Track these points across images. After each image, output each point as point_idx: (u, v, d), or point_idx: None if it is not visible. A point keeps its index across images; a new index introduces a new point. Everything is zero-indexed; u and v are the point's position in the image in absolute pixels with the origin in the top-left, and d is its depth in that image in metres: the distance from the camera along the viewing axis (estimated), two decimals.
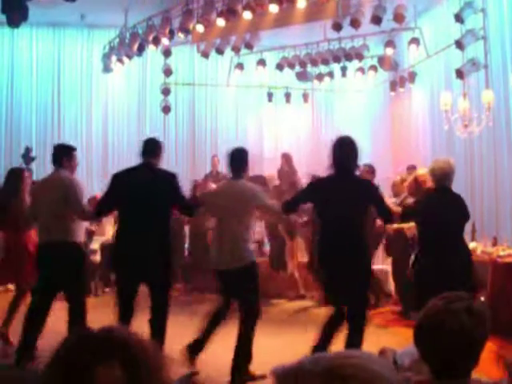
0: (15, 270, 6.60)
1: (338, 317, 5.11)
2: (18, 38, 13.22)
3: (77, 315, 5.63)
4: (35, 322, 5.74)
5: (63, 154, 6.00)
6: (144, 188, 5.39)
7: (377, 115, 14.29)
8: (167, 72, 12.32)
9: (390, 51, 11.14)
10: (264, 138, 14.53)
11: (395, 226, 7.21)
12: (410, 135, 12.74)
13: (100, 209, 5.92)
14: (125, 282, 5.49)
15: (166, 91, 12.63)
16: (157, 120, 13.65)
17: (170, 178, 5.55)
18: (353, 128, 14.45)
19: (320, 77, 12.80)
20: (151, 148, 5.63)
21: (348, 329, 4.99)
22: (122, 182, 5.58)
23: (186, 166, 13.64)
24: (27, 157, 11.22)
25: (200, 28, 9.80)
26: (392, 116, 13.87)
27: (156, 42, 10.58)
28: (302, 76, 12.76)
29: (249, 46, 11.30)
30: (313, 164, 12.40)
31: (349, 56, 11.45)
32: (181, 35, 10.13)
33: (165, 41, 10.65)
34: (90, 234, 9.90)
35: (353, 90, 14.08)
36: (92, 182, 13.15)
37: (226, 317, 5.65)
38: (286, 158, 10.88)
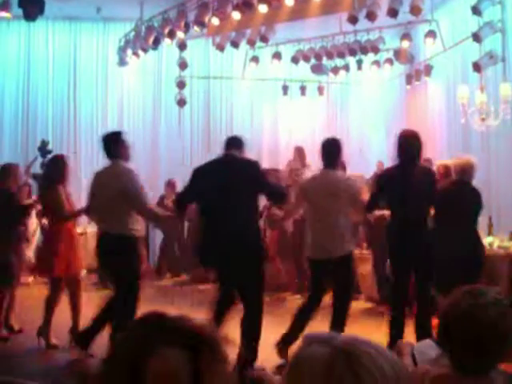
0: (52, 261, 6.44)
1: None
2: (34, 32, 13.26)
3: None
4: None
5: (114, 143, 6.02)
6: (226, 178, 5.32)
7: (392, 109, 14.22)
8: (182, 65, 12.33)
9: (406, 44, 11.06)
10: (279, 131, 14.51)
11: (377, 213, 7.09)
12: (426, 129, 12.65)
13: (181, 202, 5.92)
14: (223, 277, 5.54)
15: (181, 84, 12.63)
16: (172, 113, 13.67)
17: (253, 166, 5.49)
18: (368, 121, 14.47)
19: (335, 70, 12.75)
20: (234, 141, 5.66)
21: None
22: (204, 174, 5.53)
23: (201, 160, 13.59)
24: (43, 150, 11.26)
25: (215, 21, 9.80)
26: (407, 109, 13.80)
27: (171, 35, 10.58)
28: (318, 69, 12.72)
29: (264, 39, 11.27)
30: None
31: (364, 49, 11.40)
32: (196, 28, 10.13)
33: (180, 34, 10.65)
34: None
35: (368, 83, 14.02)
36: None
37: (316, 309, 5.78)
38: (299, 152, 10.85)
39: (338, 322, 5.51)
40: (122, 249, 5.59)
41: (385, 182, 5.81)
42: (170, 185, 11.65)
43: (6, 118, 13.23)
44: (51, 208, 6.58)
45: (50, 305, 6.45)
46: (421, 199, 5.50)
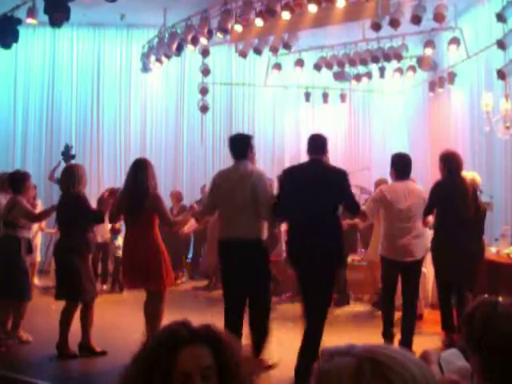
0: (143, 273, 6.10)
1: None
2: (59, 38, 13.42)
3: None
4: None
5: (247, 145, 5.87)
6: (313, 184, 5.35)
7: (415, 116, 14.16)
8: (205, 72, 12.39)
9: (429, 51, 11.00)
10: (301, 139, 14.46)
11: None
12: (449, 137, 12.57)
13: (277, 208, 5.76)
14: (304, 278, 5.46)
15: (203, 91, 12.69)
16: (194, 119, 13.74)
17: (341, 175, 5.47)
18: (390, 129, 14.42)
19: (358, 77, 12.74)
20: (319, 144, 5.59)
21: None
22: (291, 177, 5.58)
23: (223, 166, 13.64)
24: (67, 154, 11.36)
25: (238, 28, 9.82)
26: (430, 117, 13.70)
27: (194, 41, 10.62)
28: (340, 76, 12.72)
29: (287, 46, 11.28)
30: (349, 164, 12.36)
31: (387, 56, 11.35)
32: (219, 35, 10.16)
33: (203, 40, 10.69)
34: (116, 232, 10.16)
35: (391, 90, 13.97)
36: None
37: None
38: None
39: (412, 322, 6.13)
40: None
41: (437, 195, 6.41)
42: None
43: (30, 123, 13.38)
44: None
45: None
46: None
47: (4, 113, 13.27)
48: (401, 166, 6.29)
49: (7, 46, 9.38)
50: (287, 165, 13.33)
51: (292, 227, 5.60)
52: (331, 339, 5.11)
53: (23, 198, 6.96)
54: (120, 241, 10.19)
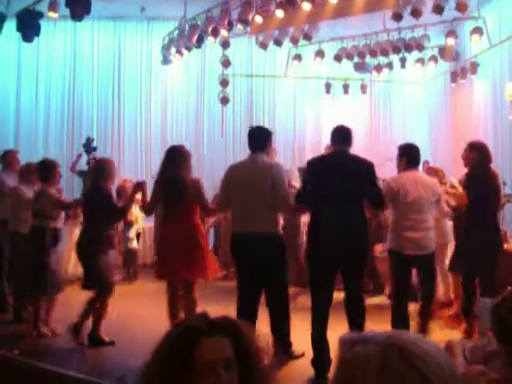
0: (185, 263, 5.98)
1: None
2: (80, 31, 13.46)
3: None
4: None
5: (268, 138, 5.85)
6: (340, 175, 5.32)
7: (436, 107, 14.05)
8: (225, 63, 12.39)
9: (451, 41, 10.89)
10: (321, 130, 14.45)
11: None
12: (471, 127, 12.46)
13: (300, 196, 5.76)
14: (322, 270, 5.40)
15: (224, 82, 12.70)
16: (215, 111, 13.75)
17: (369, 167, 5.45)
18: (411, 120, 14.32)
19: (379, 68, 12.66)
20: (345, 136, 5.55)
21: None
22: (318, 168, 5.56)
23: (243, 158, 13.67)
24: (88, 147, 11.45)
25: (259, 19, 9.80)
26: (452, 108, 13.59)
27: (215, 33, 10.62)
28: (361, 67, 12.66)
29: (307, 37, 11.25)
30: (370, 156, 12.30)
31: (409, 47, 11.26)
32: (240, 26, 10.15)
33: (223, 32, 10.69)
34: (129, 224, 10.20)
35: (412, 81, 13.87)
36: (151, 172, 13.34)
37: None
38: (330, 150, 10.85)
39: (428, 314, 6.01)
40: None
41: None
42: None
43: (52, 116, 13.48)
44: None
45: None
46: None
47: (26, 106, 13.37)
48: (411, 155, 6.06)
49: (29, 39, 9.45)
50: (308, 156, 13.29)
51: (317, 218, 5.47)
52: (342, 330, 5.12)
53: (51, 187, 6.89)
54: (133, 232, 10.33)
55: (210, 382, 1.53)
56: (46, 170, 6.93)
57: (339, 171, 5.33)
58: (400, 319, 5.77)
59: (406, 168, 6.00)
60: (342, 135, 5.54)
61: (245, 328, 1.66)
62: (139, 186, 6.41)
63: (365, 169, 5.40)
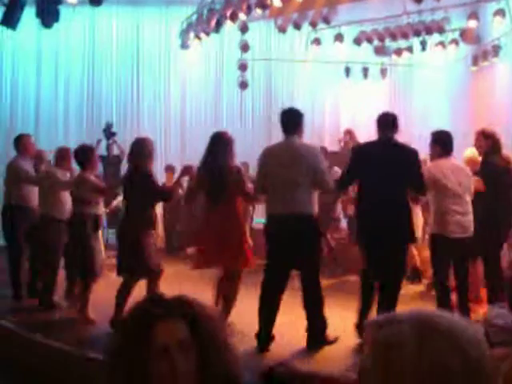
0: (227, 251, 5.94)
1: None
2: (98, 16, 13.49)
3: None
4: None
5: (301, 120, 5.80)
6: (385, 162, 5.49)
7: (457, 91, 13.88)
8: (244, 48, 12.33)
9: (473, 24, 10.75)
10: (341, 114, 14.39)
11: None
12: (493, 112, 12.31)
13: (342, 182, 5.99)
14: (370, 254, 5.65)
15: (242, 67, 12.65)
16: (233, 96, 13.75)
17: (413, 154, 5.62)
18: (431, 104, 14.17)
19: (399, 51, 12.54)
20: (389, 122, 5.69)
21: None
22: (364, 155, 5.70)
23: (262, 142, 13.65)
24: (108, 132, 11.49)
25: (277, 2, 9.75)
26: (473, 92, 13.43)
27: (233, 17, 10.58)
28: (381, 51, 12.56)
29: (326, 21, 11.17)
30: None
31: (429, 29, 11.14)
32: (258, 10, 10.10)
33: (242, 16, 10.64)
34: None
35: (432, 64, 13.72)
36: (170, 156, 13.39)
37: None
38: (351, 134, 10.85)
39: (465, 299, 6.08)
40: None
41: None
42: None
43: (71, 101, 13.55)
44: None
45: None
46: None
47: (46, 91, 13.46)
48: (445, 142, 6.15)
49: (48, 25, 9.45)
50: (327, 141, 13.31)
51: (363, 203, 5.69)
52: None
53: (90, 173, 6.80)
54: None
55: (164, 365, 1.53)
56: (85, 155, 6.82)
57: (383, 158, 5.50)
58: (447, 304, 5.92)
59: (441, 155, 6.11)
60: (385, 122, 5.68)
61: (201, 309, 1.63)
62: (187, 170, 6.39)
63: (408, 156, 5.57)
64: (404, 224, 5.53)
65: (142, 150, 6.27)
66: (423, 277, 8.46)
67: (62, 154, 7.52)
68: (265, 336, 5.53)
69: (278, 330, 5.64)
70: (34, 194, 7.67)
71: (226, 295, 5.99)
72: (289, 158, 5.53)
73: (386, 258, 5.48)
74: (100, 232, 7.26)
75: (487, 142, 6.55)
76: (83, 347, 5.16)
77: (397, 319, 1.23)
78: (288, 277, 5.65)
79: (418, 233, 7.96)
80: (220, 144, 6.00)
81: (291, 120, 5.74)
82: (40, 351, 5.52)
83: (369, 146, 5.86)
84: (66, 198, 7.24)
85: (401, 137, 6.38)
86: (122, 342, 1.60)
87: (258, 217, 10.45)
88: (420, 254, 8.49)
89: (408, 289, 7.97)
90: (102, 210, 7.23)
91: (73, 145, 12.52)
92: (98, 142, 11.31)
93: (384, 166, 5.46)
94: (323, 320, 5.57)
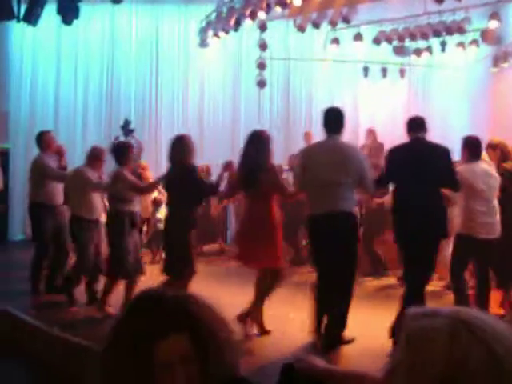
0: (261, 250, 5.93)
1: None
2: (118, 14, 13.54)
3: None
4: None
5: (344, 120, 5.82)
6: (420, 161, 5.69)
7: (476, 92, 13.78)
8: (263, 46, 12.30)
9: (494, 24, 10.66)
10: (359, 114, 14.33)
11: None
12: None
13: (381, 181, 6.16)
14: (409, 252, 5.81)
15: (261, 65, 12.63)
16: (252, 94, 13.72)
17: (445, 153, 5.78)
18: (450, 105, 14.09)
19: (418, 52, 12.47)
20: (419, 123, 5.91)
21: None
22: (400, 156, 5.88)
23: (280, 141, 13.65)
24: (126, 129, 11.54)
25: (297, 1, 9.73)
26: (493, 93, 13.33)
27: (253, 15, 10.58)
28: (400, 51, 12.49)
29: (346, 20, 11.13)
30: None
31: (449, 30, 11.05)
32: (278, 9, 10.08)
33: (261, 15, 10.63)
34: (158, 203, 10.17)
35: (452, 65, 13.63)
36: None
37: None
38: (373, 134, 10.81)
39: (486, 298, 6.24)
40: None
41: None
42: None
43: (90, 98, 13.62)
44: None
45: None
46: None
47: (65, 88, 13.53)
48: (474, 147, 6.41)
49: (68, 22, 9.52)
50: (345, 140, 13.23)
51: (400, 202, 5.89)
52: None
53: (126, 170, 6.78)
54: (162, 213, 9.73)
55: (167, 380, 1.48)
56: (121, 152, 6.81)
57: (417, 158, 5.70)
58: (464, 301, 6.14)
59: (470, 159, 6.38)
60: (416, 124, 5.90)
61: (202, 311, 1.56)
62: (228, 166, 6.40)
63: (441, 154, 5.76)
64: (439, 220, 5.69)
65: (184, 146, 6.25)
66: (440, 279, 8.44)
67: (94, 154, 7.46)
68: (317, 333, 5.65)
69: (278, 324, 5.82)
70: (59, 191, 7.69)
71: (260, 292, 5.97)
72: (334, 158, 5.59)
73: (421, 254, 5.64)
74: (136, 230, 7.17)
75: (495, 152, 6.83)
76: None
77: (435, 313, 1.23)
78: (334, 274, 5.71)
79: None
80: (258, 142, 6.00)
81: (334, 119, 5.80)
82: (60, 346, 5.54)
83: (403, 147, 6.00)
84: (96, 197, 7.24)
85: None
86: (121, 358, 1.51)
87: None
88: None
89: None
90: (137, 207, 7.18)
91: (91, 141, 12.74)
92: (116, 139, 11.38)
93: (419, 166, 5.66)
94: (345, 319, 5.62)
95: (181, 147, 6.23)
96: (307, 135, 11.86)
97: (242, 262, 6.22)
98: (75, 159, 9.97)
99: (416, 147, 5.81)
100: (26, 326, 6.64)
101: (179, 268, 6.04)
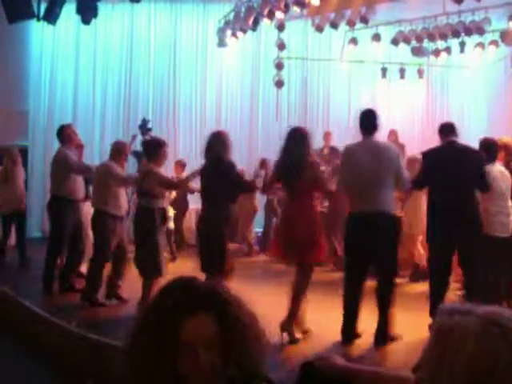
0: (302, 246, 5.85)
1: None
2: (137, 14, 13.62)
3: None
4: None
5: (379, 121, 5.92)
6: (454, 164, 6.02)
7: (495, 93, 13.71)
8: (281, 46, 12.30)
9: None
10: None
11: None
12: None
13: (418, 184, 6.46)
14: (440, 251, 6.12)
15: (279, 66, 12.62)
16: (269, 94, 13.74)
17: (480, 157, 6.18)
18: (469, 106, 14.02)
19: (437, 52, 12.39)
20: (450, 128, 6.28)
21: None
22: (433, 159, 6.23)
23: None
24: (144, 128, 11.58)
25: (316, 1, 9.72)
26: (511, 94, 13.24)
27: (271, 15, 10.57)
28: (418, 51, 12.41)
29: (364, 20, 11.08)
30: (427, 141, 12.11)
31: (469, 30, 10.97)
32: (296, 9, 10.08)
33: (279, 14, 10.62)
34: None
35: (470, 66, 13.55)
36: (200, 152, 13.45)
37: None
38: (395, 135, 10.76)
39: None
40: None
41: None
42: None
43: (109, 97, 13.69)
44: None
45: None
46: None
47: (84, 87, 13.61)
48: (491, 148, 6.64)
49: (87, 21, 9.57)
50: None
51: (434, 204, 6.18)
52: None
53: (158, 166, 6.65)
54: (171, 211, 9.57)
55: (190, 362, 1.49)
56: (153, 148, 6.71)
57: (451, 161, 6.03)
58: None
59: (486, 161, 6.46)
60: (448, 128, 6.28)
61: (232, 300, 1.58)
62: (264, 164, 6.37)
63: (473, 157, 6.13)
64: (474, 220, 6.05)
65: (223, 142, 6.16)
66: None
67: (118, 148, 7.44)
68: (350, 331, 5.69)
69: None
70: (80, 186, 7.71)
71: (294, 289, 5.90)
72: (375, 159, 5.66)
73: (464, 251, 6.08)
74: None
75: (501, 153, 6.97)
76: None
77: (468, 311, 1.23)
78: (366, 275, 5.80)
79: (422, 227, 8.20)
80: (297, 138, 5.95)
81: (371, 121, 5.88)
82: (76, 342, 5.60)
83: (437, 150, 6.31)
84: (122, 193, 7.21)
85: (435, 138, 6.50)
86: (147, 336, 1.53)
87: None
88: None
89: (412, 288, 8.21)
90: (167, 203, 7.13)
91: (109, 139, 12.83)
92: (134, 137, 11.38)
93: (453, 168, 5.98)
94: (391, 317, 5.71)
95: (219, 143, 6.14)
96: (327, 135, 11.86)
97: (284, 258, 6.11)
98: (93, 158, 10.04)
99: (450, 150, 6.15)
100: (22, 308, 6.71)
101: (218, 265, 5.93)
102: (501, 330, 1.17)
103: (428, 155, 6.36)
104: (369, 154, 5.69)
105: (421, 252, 8.48)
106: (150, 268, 6.39)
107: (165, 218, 6.70)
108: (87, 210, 8.12)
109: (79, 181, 7.70)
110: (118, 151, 7.37)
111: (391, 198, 5.78)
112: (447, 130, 6.29)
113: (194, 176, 6.77)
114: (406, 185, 5.98)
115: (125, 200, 7.46)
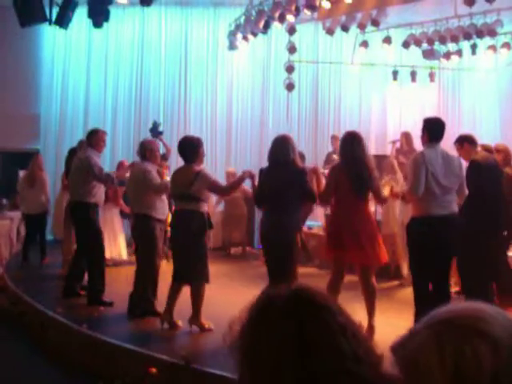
0: (363, 248, 5.80)
1: None
2: (147, 17, 13.67)
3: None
4: None
5: (444, 130, 5.91)
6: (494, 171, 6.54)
7: (507, 96, 13.64)
8: (291, 49, 12.29)
9: None
10: (387, 118, 14.26)
11: None
12: None
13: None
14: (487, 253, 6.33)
15: (289, 69, 12.61)
16: (280, 97, 13.74)
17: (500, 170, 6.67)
18: (481, 109, 13.96)
19: (448, 55, 12.34)
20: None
21: None
22: (483, 168, 6.38)
23: (308, 145, 13.66)
24: (155, 131, 11.60)
25: (326, 4, 9.70)
26: None
27: (281, 18, 10.55)
28: (429, 54, 12.36)
29: (375, 23, 11.05)
30: None
31: (480, 33, 10.90)
32: (307, 12, 10.06)
33: (290, 18, 10.61)
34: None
35: (482, 68, 13.50)
36: (216, 157, 13.47)
37: None
38: (406, 137, 10.68)
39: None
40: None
41: None
42: None
43: (120, 101, 13.74)
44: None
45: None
46: None
47: (95, 90, 13.68)
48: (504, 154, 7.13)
49: (99, 25, 9.59)
50: (373, 144, 13.19)
51: (483, 207, 6.33)
52: None
53: (198, 166, 6.28)
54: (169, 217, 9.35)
55: None
56: (192, 148, 6.32)
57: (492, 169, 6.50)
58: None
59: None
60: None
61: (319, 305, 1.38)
62: (314, 171, 6.29)
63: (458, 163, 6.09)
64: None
65: (292, 146, 5.92)
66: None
67: (149, 147, 7.05)
68: None
69: None
70: (103, 191, 7.62)
71: (367, 298, 5.86)
72: (450, 165, 5.81)
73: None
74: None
75: (499, 155, 7.13)
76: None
77: (412, 332, 1.16)
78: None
79: (396, 228, 8.50)
80: (356, 143, 5.97)
81: (439, 129, 5.90)
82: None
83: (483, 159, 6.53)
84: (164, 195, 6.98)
85: (449, 141, 6.43)
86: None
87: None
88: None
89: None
90: (209, 207, 6.86)
91: (120, 143, 12.89)
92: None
93: (494, 175, 6.50)
94: None
95: (288, 147, 5.88)
96: (334, 138, 11.82)
97: (339, 259, 5.99)
98: (105, 161, 10.06)
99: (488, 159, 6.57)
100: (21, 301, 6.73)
101: (292, 272, 5.71)
102: (449, 326, 1.12)
103: (477, 165, 6.46)
104: (444, 161, 5.77)
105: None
106: (200, 273, 6.09)
107: (211, 222, 6.32)
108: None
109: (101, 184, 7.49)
110: (150, 150, 6.97)
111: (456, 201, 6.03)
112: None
113: (243, 180, 6.62)
114: (465, 192, 6.12)
115: (166, 202, 7.16)
